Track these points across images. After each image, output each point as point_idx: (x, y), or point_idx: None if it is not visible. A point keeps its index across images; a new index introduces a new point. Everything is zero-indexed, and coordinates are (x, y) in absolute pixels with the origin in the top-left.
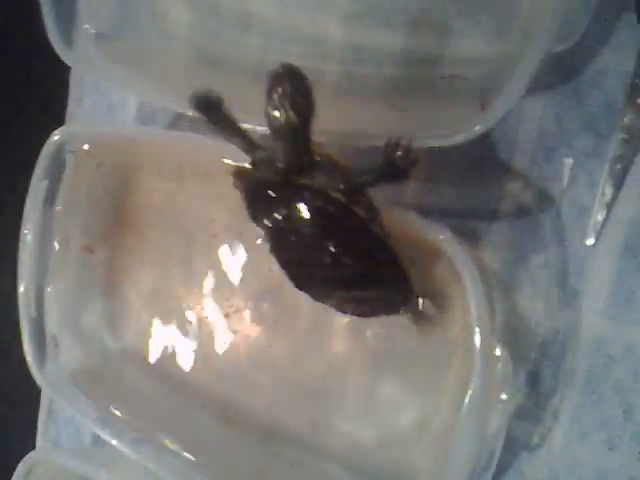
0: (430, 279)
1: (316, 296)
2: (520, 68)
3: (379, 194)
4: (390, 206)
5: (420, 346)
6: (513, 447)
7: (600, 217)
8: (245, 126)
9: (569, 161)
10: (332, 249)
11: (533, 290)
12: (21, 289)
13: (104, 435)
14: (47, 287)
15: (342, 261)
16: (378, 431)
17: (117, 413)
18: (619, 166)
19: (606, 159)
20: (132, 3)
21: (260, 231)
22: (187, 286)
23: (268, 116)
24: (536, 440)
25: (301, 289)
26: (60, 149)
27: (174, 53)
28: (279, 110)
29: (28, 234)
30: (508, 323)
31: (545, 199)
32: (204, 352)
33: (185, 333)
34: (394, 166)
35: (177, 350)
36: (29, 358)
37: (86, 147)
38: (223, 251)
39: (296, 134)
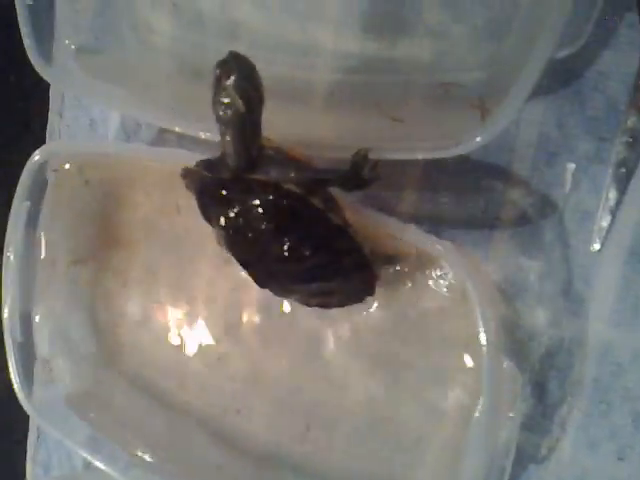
0: (429, 290)
1: (278, 292)
2: (522, 77)
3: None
4: (388, 218)
5: (423, 359)
6: (521, 460)
7: (604, 222)
8: None
9: (571, 166)
10: (289, 242)
11: (537, 299)
12: (5, 314)
13: (95, 460)
14: (34, 310)
15: (301, 253)
16: (380, 448)
17: (110, 435)
18: (623, 170)
19: (609, 163)
20: (112, 16)
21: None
22: (179, 303)
23: (216, 106)
24: (544, 452)
25: (263, 287)
26: (42, 168)
27: (157, 66)
28: (228, 99)
29: (11, 256)
30: (511, 334)
31: (547, 205)
32: (198, 371)
33: (178, 352)
34: (357, 175)
35: (170, 370)
36: (16, 385)
37: (70, 165)
38: (215, 266)
39: (245, 125)
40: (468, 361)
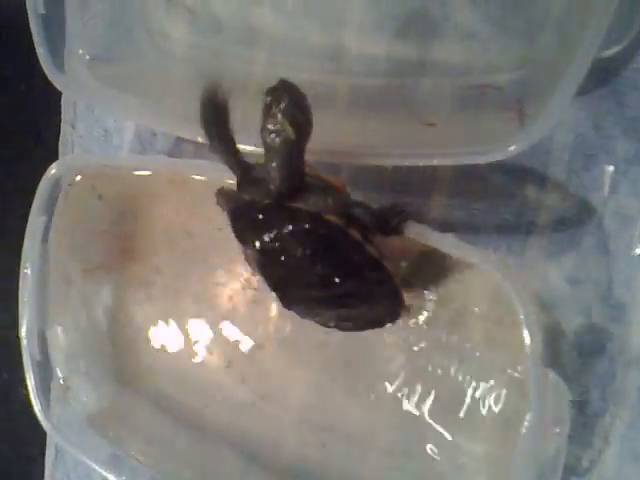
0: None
1: (303, 314)
2: (566, 78)
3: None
4: (425, 229)
5: (459, 373)
6: (562, 473)
7: None
8: (248, 148)
9: (609, 168)
10: (321, 269)
11: (575, 306)
12: (23, 331)
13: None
14: (51, 327)
15: (332, 280)
16: (412, 466)
17: (133, 454)
18: None
19: None
20: (126, 23)
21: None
22: (199, 316)
23: (264, 133)
24: (586, 465)
25: (289, 309)
26: (57, 183)
27: (173, 74)
28: (277, 126)
29: (28, 272)
30: (550, 343)
31: (585, 210)
32: (221, 387)
33: (200, 368)
34: (387, 223)
35: (193, 386)
36: (35, 404)
37: (85, 179)
38: (235, 278)
39: (292, 153)
40: (510, 374)
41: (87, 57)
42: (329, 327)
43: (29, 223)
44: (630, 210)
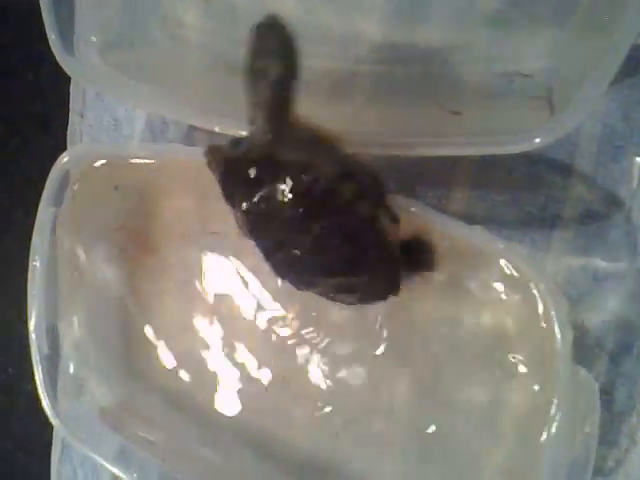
0: (486, 296)
1: (299, 284)
2: (601, 66)
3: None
4: (452, 221)
5: (482, 373)
6: None
7: None
8: None
9: (639, 160)
10: (314, 232)
11: (602, 302)
12: (32, 325)
13: (125, 475)
14: (61, 320)
15: (326, 244)
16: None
17: (143, 448)
18: None
19: None
20: (138, 9)
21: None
22: (214, 310)
23: (249, 72)
24: (612, 464)
25: (283, 278)
26: (68, 173)
27: (186, 61)
28: (263, 64)
29: (37, 265)
30: (575, 340)
31: (613, 203)
32: (237, 383)
33: (216, 362)
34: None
35: (208, 382)
36: (44, 398)
37: (102, 169)
38: (253, 271)
39: (278, 94)
40: (537, 373)
41: (98, 43)
42: (328, 299)
43: (38, 214)
44: None
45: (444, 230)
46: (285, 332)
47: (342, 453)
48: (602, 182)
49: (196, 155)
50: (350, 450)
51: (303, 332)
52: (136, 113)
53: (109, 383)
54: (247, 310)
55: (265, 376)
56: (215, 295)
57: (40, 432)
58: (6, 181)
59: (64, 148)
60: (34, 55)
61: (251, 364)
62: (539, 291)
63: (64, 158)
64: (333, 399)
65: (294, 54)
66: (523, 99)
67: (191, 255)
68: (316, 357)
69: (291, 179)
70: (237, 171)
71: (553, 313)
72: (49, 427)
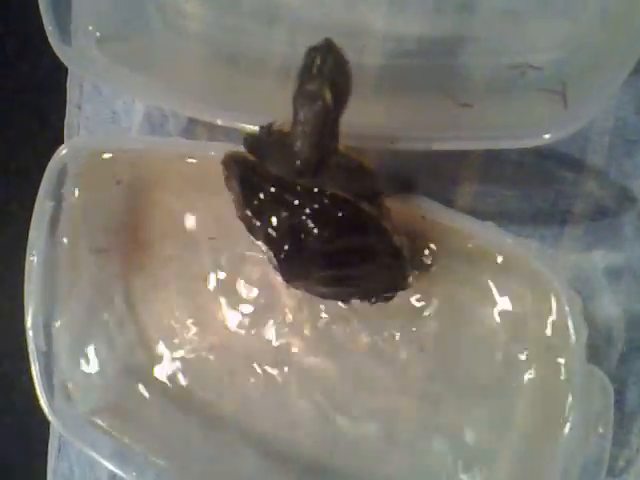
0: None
1: (304, 288)
2: (619, 60)
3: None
4: (463, 217)
5: (484, 368)
6: None
7: None
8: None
9: None
10: (336, 254)
11: (613, 299)
12: (29, 321)
13: (123, 472)
14: (57, 317)
15: (346, 264)
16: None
17: (140, 448)
18: None
19: None
20: None
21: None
22: (214, 309)
23: (299, 96)
24: (622, 464)
25: (288, 282)
26: (66, 166)
27: (187, 52)
28: (315, 89)
29: (34, 260)
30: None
31: (626, 198)
32: (239, 381)
33: (216, 361)
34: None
35: (208, 380)
36: (41, 396)
37: (105, 162)
38: (253, 264)
39: (326, 121)
40: (550, 371)
41: (96, 34)
42: (326, 297)
43: (36, 208)
44: None
45: (454, 226)
46: (286, 330)
47: (343, 454)
48: (614, 177)
49: (202, 150)
50: (352, 450)
51: (305, 331)
52: (134, 106)
53: (105, 381)
54: (246, 308)
55: (269, 372)
56: (215, 289)
57: (36, 429)
58: (3, 173)
59: (61, 141)
60: (31, 47)
61: (255, 360)
62: (553, 288)
63: (62, 151)
64: (336, 399)
65: (348, 81)
66: (535, 92)
67: (189, 252)
68: (318, 357)
69: (323, 206)
70: (267, 186)
71: (567, 310)
72: (45, 423)
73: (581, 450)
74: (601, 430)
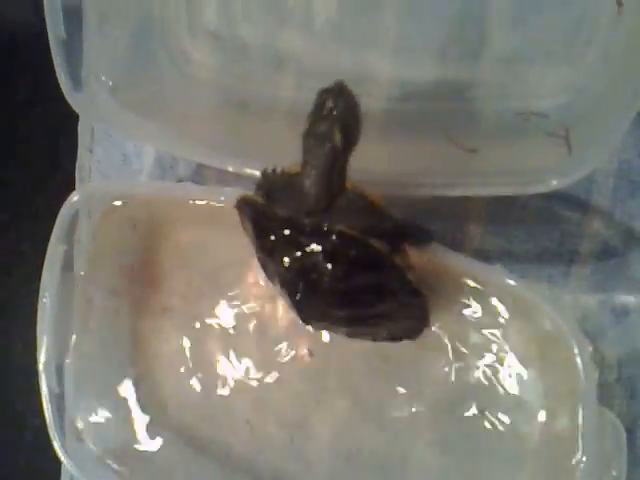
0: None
1: (321, 328)
2: (623, 107)
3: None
4: (471, 261)
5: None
6: None
7: None
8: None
9: None
10: (351, 294)
11: (621, 338)
12: (41, 363)
13: None
14: (69, 359)
15: (361, 304)
16: None
17: None
18: None
19: None
20: (147, 47)
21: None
22: (225, 347)
23: (309, 136)
24: None
25: (307, 323)
26: (78, 212)
27: (196, 98)
28: (325, 130)
29: (47, 303)
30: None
31: (631, 238)
32: (249, 421)
33: (226, 401)
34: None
35: (219, 423)
36: (54, 437)
37: (122, 208)
38: (262, 308)
39: (335, 162)
40: (560, 414)
41: (108, 82)
42: (352, 336)
43: (48, 252)
44: None
45: (461, 269)
46: (304, 373)
47: None
48: (620, 218)
49: (212, 195)
50: None
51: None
52: (145, 148)
53: (116, 421)
54: (262, 344)
55: (279, 411)
56: (228, 328)
57: (48, 467)
58: (15, 216)
59: (73, 183)
60: (42, 91)
61: (267, 402)
62: (561, 331)
63: (74, 197)
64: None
65: (358, 123)
66: (539, 137)
67: (201, 290)
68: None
69: (335, 246)
70: (278, 227)
71: (576, 352)
72: (57, 462)
73: None
74: (614, 473)
